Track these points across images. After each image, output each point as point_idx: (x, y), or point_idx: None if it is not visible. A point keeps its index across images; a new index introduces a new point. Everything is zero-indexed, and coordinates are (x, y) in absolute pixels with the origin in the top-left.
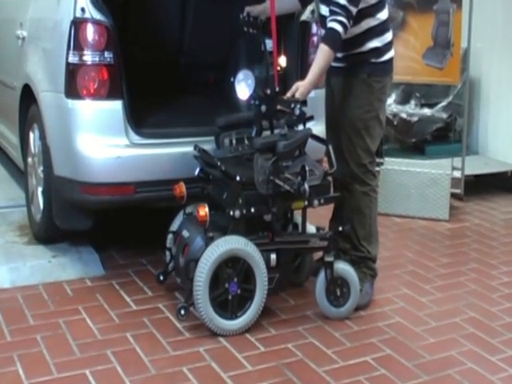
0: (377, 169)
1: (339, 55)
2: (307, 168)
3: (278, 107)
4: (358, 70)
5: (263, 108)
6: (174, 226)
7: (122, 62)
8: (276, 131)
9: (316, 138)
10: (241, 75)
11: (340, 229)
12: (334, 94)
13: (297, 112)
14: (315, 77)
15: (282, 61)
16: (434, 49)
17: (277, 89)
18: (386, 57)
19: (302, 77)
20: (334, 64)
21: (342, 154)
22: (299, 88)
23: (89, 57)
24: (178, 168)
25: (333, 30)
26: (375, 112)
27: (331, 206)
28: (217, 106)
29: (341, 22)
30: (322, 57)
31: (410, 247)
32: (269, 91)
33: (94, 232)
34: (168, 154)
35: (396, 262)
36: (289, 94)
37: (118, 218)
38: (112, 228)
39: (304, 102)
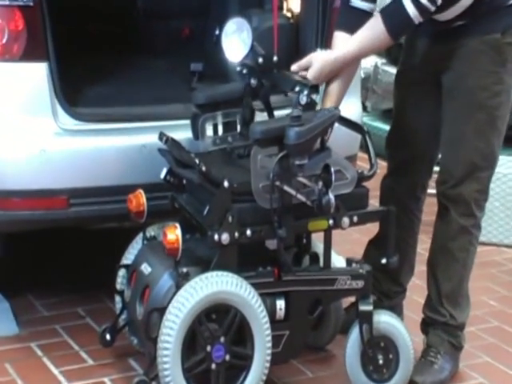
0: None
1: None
2: (332, 169)
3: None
4: (482, 28)
5: (253, 82)
6: (129, 258)
7: (47, 3)
8: (282, 112)
9: (347, 122)
10: (231, 26)
11: (383, 261)
12: (428, 68)
13: (303, 100)
14: (348, 55)
15: (295, 3)
16: None
17: (275, 58)
18: None
19: (324, 32)
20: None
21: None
22: (313, 64)
23: None
24: (134, 168)
25: (401, 7)
26: (507, 94)
27: (369, 228)
28: (195, 74)
29: None
30: (371, 35)
31: (493, 291)
32: (261, 60)
33: (2, 268)
34: (119, 147)
35: (472, 313)
36: (294, 67)
37: (41, 246)
38: (31, 261)
39: (314, 87)
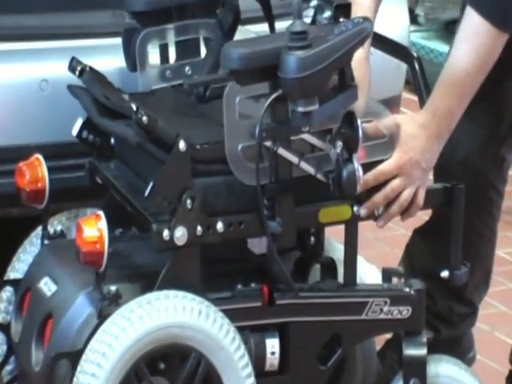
0: None
1: None
2: (359, 120)
3: None
4: None
5: None
6: (18, 269)
7: None
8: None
9: (385, 43)
10: None
11: (444, 274)
12: None
13: (323, 21)
14: (465, 92)
15: None
16: None
17: None
18: None
19: None
20: None
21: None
22: (405, 135)
23: None
24: (28, 119)
25: None
26: None
27: (420, 218)
28: None
29: None
30: (475, 46)
31: None
32: None
33: None
34: (4, 84)
35: None
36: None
37: None
38: None
39: (346, 8)
